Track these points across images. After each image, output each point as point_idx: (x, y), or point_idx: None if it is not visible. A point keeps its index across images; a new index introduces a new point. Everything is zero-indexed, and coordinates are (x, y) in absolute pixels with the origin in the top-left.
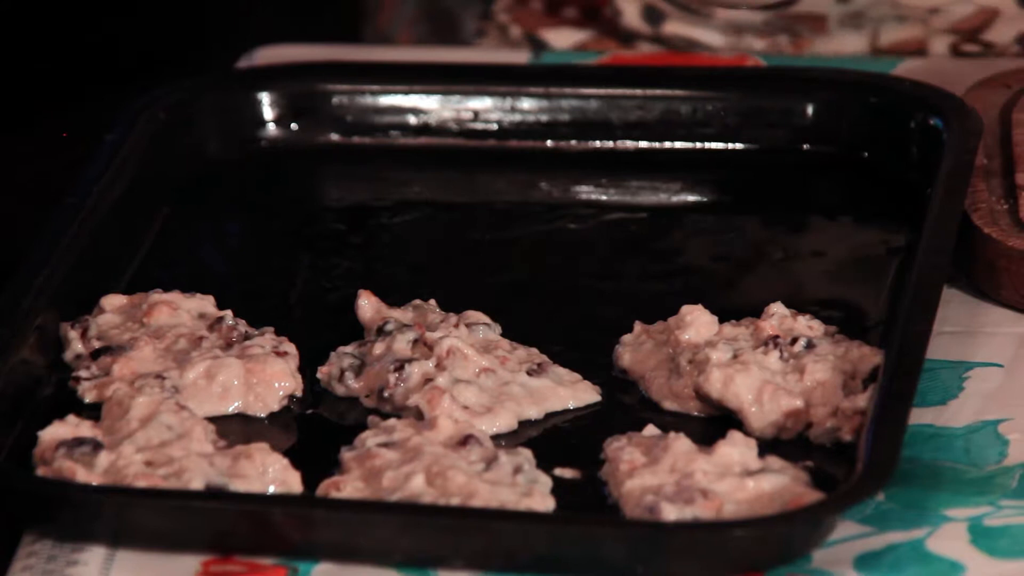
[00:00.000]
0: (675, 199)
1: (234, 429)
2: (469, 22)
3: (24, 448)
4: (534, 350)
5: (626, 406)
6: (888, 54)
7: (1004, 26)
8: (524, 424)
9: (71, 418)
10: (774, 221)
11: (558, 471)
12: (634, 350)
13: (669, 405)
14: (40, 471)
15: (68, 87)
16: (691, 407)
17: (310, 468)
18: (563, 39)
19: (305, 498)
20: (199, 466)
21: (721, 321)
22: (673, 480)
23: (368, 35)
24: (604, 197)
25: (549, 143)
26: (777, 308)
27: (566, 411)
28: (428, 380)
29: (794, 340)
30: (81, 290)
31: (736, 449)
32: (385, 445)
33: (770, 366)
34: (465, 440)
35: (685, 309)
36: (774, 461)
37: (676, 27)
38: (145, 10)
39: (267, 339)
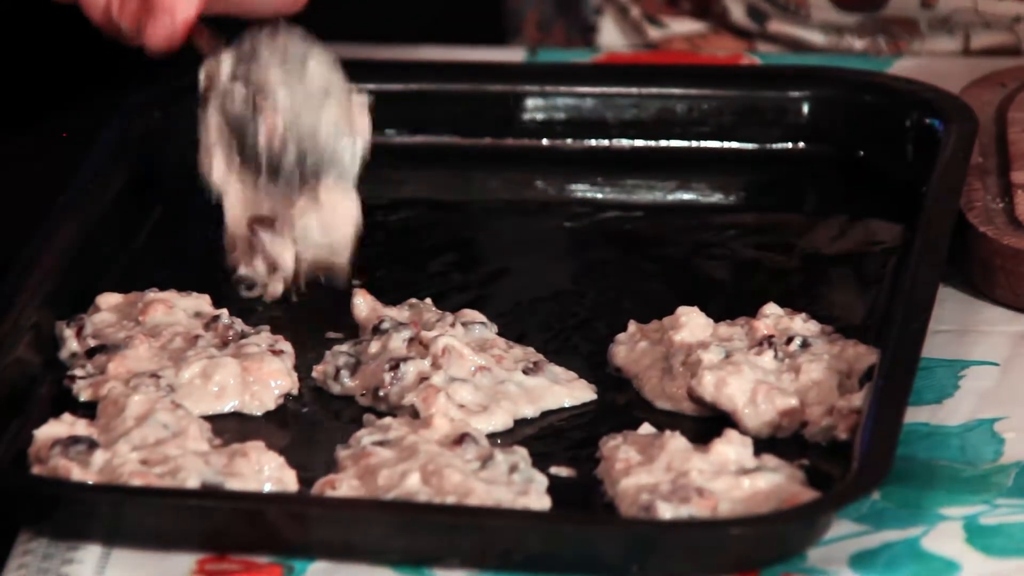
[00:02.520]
0: (670, 198)
1: (230, 427)
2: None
3: (19, 447)
4: (530, 349)
5: (622, 405)
6: (981, 55)
7: None
8: (520, 423)
9: (66, 417)
10: (770, 219)
11: (554, 470)
12: (628, 349)
13: (662, 404)
14: (35, 470)
15: (63, 86)
16: (684, 407)
17: (306, 466)
18: (683, 26)
19: (301, 497)
20: (195, 464)
21: (716, 320)
22: (669, 479)
23: (503, 13)
24: (600, 195)
25: (545, 141)
26: (772, 308)
27: (562, 410)
28: (424, 379)
29: (789, 339)
30: (76, 289)
31: (732, 448)
32: (381, 444)
33: (763, 366)
34: (461, 439)
35: (681, 310)
36: (770, 460)
37: (779, 26)
38: None
39: (263, 338)
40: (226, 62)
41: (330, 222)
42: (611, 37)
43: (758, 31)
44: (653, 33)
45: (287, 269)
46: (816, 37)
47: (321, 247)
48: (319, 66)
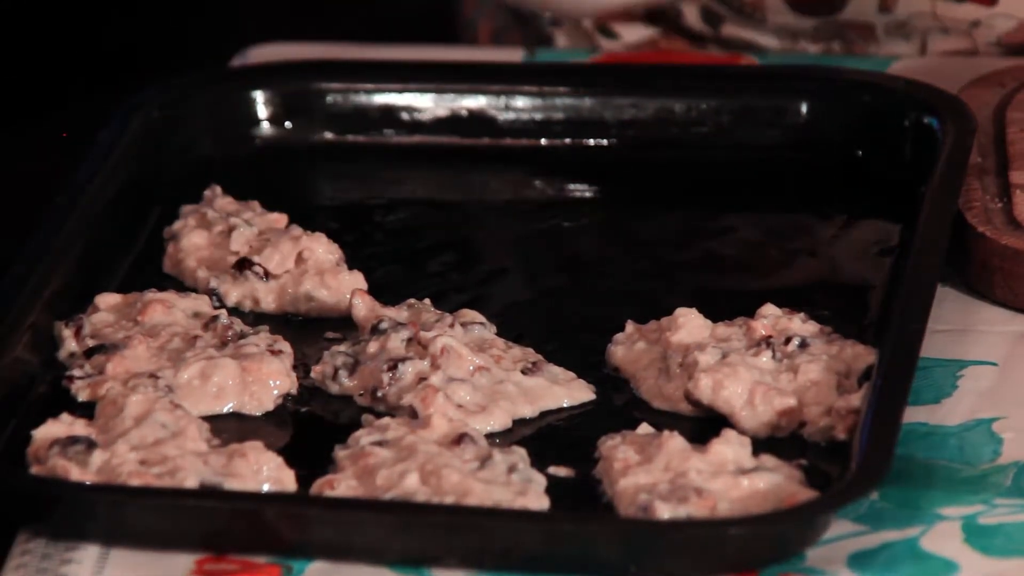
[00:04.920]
0: (668, 198)
1: (228, 427)
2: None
3: (18, 447)
4: (529, 349)
5: (621, 405)
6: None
7: None
8: (518, 423)
9: (65, 417)
10: (768, 220)
11: (552, 470)
12: (626, 349)
13: (660, 405)
14: (34, 470)
15: (62, 86)
16: (682, 408)
17: (304, 467)
18: (634, 33)
19: (299, 497)
20: (193, 465)
21: (714, 321)
22: (667, 479)
23: (457, 23)
24: (598, 196)
25: (543, 141)
26: (770, 309)
27: (560, 410)
28: (422, 379)
29: (787, 340)
30: (75, 288)
31: (730, 447)
32: (379, 444)
33: (761, 366)
34: (459, 439)
35: (679, 311)
36: (768, 460)
37: (733, 30)
38: (138, 9)
39: (262, 338)
40: None
41: None
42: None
43: (712, 35)
44: (606, 44)
45: None
46: (770, 41)
47: None
48: None
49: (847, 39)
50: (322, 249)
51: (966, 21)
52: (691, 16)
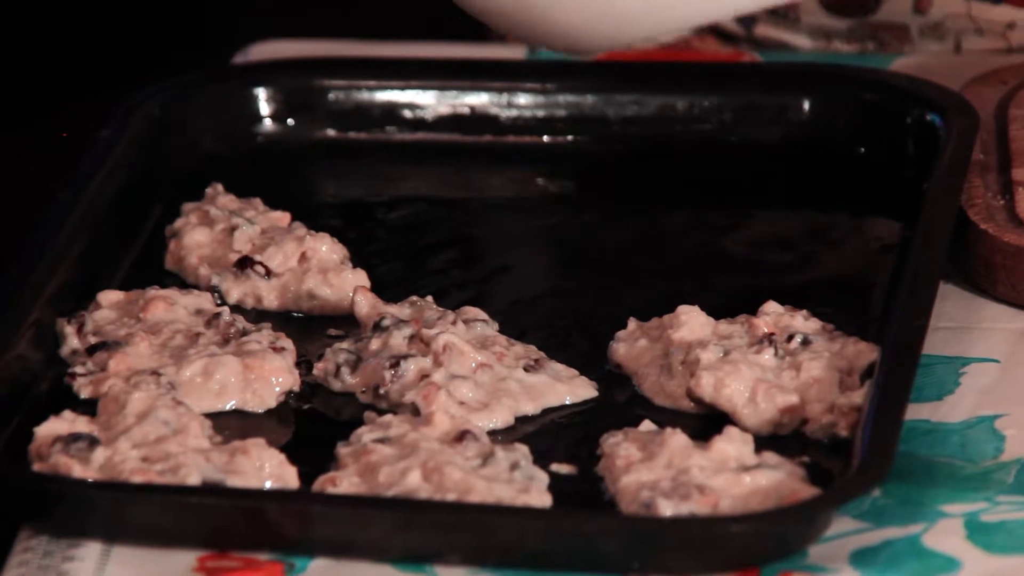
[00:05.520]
0: (671, 195)
1: (230, 425)
2: None
3: (20, 444)
4: (531, 346)
5: (623, 402)
6: None
7: None
8: (521, 420)
9: (67, 414)
10: (771, 217)
11: (555, 467)
12: (628, 346)
13: (662, 402)
14: (36, 467)
15: (64, 84)
16: (683, 405)
17: (306, 464)
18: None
19: (301, 494)
20: (195, 462)
21: (716, 318)
22: (669, 476)
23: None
24: (600, 192)
25: (545, 139)
26: (772, 306)
27: (563, 407)
28: (424, 376)
29: (790, 337)
30: (77, 286)
31: (732, 445)
32: (381, 441)
33: (763, 364)
34: (461, 436)
35: (681, 309)
36: (770, 457)
37: (766, 29)
38: (140, 7)
39: (264, 335)
40: None
41: None
42: None
43: (745, 35)
44: (640, 43)
45: None
46: (804, 42)
47: None
48: None
49: (881, 40)
50: (326, 248)
51: (1001, 23)
52: None
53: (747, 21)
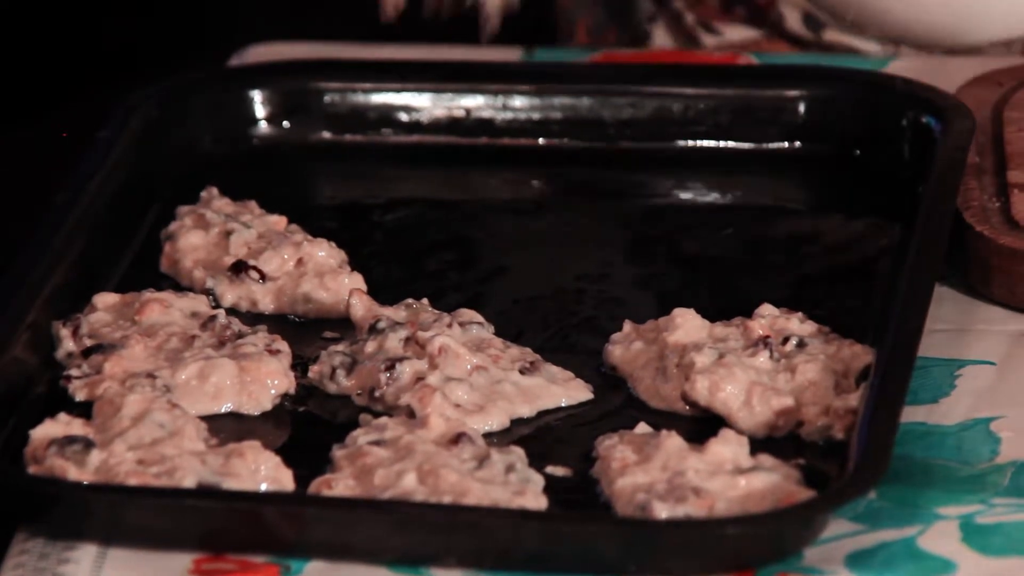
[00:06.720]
0: (667, 197)
1: (226, 427)
2: (646, 5)
3: (15, 446)
4: (527, 348)
5: (618, 404)
6: None
7: None
8: (516, 422)
9: (62, 416)
10: (766, 219)
11: (550, 469)
12: (624, 349)
13: (657, 404)
14: (31, 469)
15: (63, 84)
16: (679, 408)
17: (302, 466)
18: (736, 33)
19: (297, 496)
20: (191, 464)
21: (712, 321)
22: (665, 478)
23: (554, 16)
24: (596, 195)
25: (541, 141)
26: (768, 308)
27: (558, 409)
28: (420, 379)
29: (785, 339)
30: (73, 288)
31: (728, 447)
32: (377, 443)
33: (758, 366)
34: (457, 438)
35: (676, 311)
36: (766, 459)
37: (835, 35)
38: (137, 8)
39: (260, 337)
40: None
41: None
42: (664, 44)
43: (813, 39)
44: (708, 40)
45: None
46: (872, 48)
47: None
48: None
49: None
50: (324, 253)
51: None
52: (793, 21)
53: (816, 26)
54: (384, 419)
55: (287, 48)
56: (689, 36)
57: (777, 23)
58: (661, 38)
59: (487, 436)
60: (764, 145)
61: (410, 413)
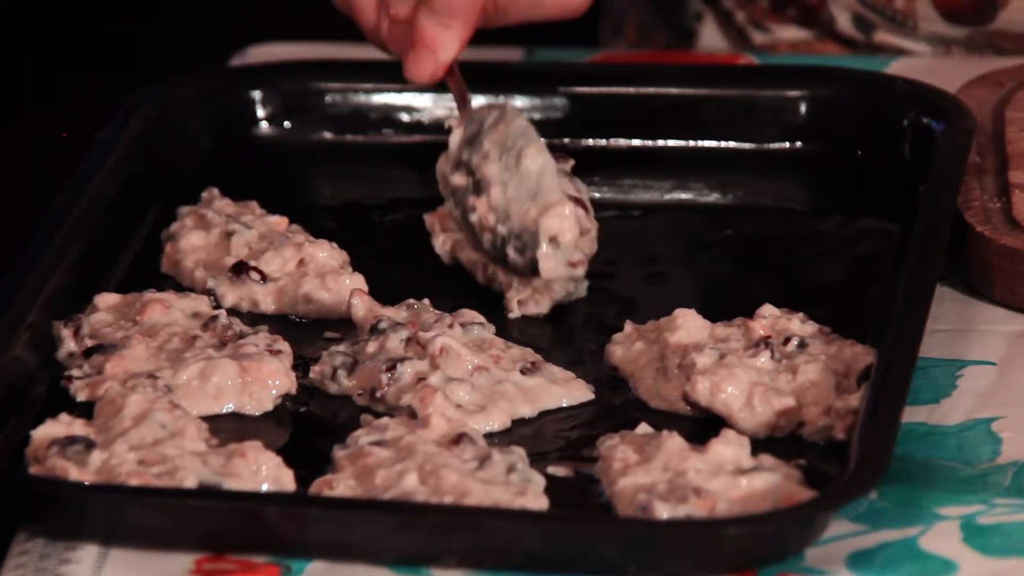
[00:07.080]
0: (668, 197)
1: (227, 427)
2: (694, 4)
3: (17, 447)
4: (528, 349)
5: (619, 405)
6: None
7: None
8: (517, 422)
9: (64, 417)
10: (767, 219)
11: (551, 469)
12: (625, 349)
13: (658, 404)
14: (33, 470)
15: (62, 86)
16: (680, 408)
17: (303, 466)
18: (787, 33)
19: (298, 496)
20: (192, 464)
21: (713, 321)
22: (666, 478)
23: (603, 14)
24: (597, 195)
25: (542, 140)
26: (769, 309)
27: (559, 410)
28: (421, 379)
29: (786, 340)
30: (73, 288)
31: (729, 447)
32: (378, 443)
33: (759, 367)
34: (458, 439)
35: (677, 312)
36: (767, 459)
37: (885, 37)
38: (137, 8)
39: (261, 338)
40: (455, 138)
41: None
42: (712, 42)
43: (864, 41)
44: (759, 38)
45: None
46: (922, 49)
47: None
48: (535, 158)
49: (999, 48)
50: (325, 254)
51: None
52: (843, 22)
53: (866, 28)
54: (385, 419)
55: (287, 48)
56: (740, 34)
57: (827, 24)
58: (709, 36)
59: (488, 436)
60: (764, 145)
61: (411, 413)
